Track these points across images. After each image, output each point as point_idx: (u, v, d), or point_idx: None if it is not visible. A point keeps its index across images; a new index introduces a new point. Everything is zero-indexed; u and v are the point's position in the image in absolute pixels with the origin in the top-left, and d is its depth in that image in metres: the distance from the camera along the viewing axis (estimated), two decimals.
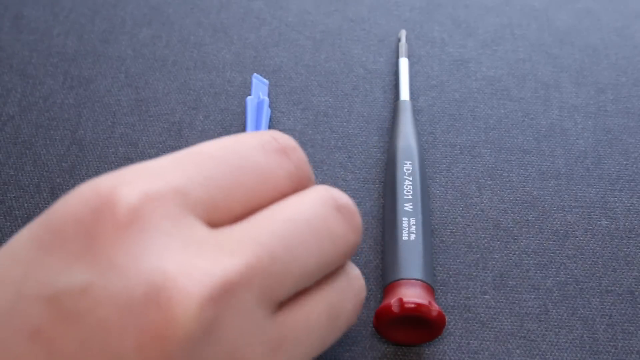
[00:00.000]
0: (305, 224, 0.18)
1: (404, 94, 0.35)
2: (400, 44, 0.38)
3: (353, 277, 0.21)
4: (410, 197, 0.30)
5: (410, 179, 0.31)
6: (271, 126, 0.36)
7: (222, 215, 0.18)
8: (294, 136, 0.35)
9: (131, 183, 0.17)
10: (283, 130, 0.36)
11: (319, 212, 0.19)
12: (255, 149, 0.19)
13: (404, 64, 0.37)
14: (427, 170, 0.34)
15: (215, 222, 0.18)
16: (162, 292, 0.15)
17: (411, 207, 0.30)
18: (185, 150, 0.19)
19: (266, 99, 0.35)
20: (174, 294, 0.15)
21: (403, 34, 0.39)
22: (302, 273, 0.18)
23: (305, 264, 0.18)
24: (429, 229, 0.30)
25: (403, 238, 0.29)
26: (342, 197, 0.20)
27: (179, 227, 0.17)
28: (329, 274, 0.20)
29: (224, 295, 0.16)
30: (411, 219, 0.29)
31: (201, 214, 0.18)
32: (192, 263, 0.16)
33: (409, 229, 0.29)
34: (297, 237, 0.18)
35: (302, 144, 0.35)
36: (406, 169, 0.31)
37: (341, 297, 0.20)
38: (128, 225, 0.16)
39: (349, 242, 0.19)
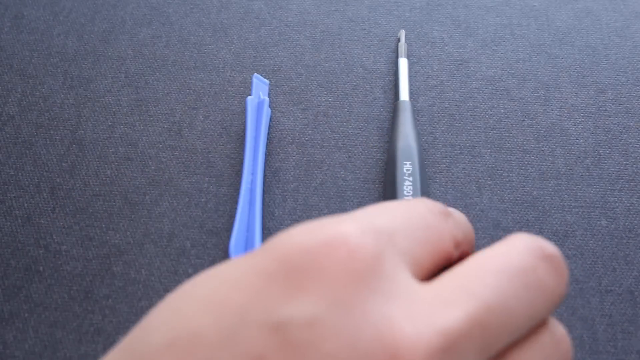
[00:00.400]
0: (516, 274, 0.18)
1: (404, 94, 0.35)
2: (399, 44, 0.38)
3: (559, 337, 0.19)
4: (410, 197, 0.30)
5: (411, 179, 0.31)
6: (271, 126, 0.36)
7: (418, 269, 0.18)
8: (294, 136, 0.35)
9: (353, 222, 0.17)
10: (283, 130, 0.36)
11: (528, 262, 0.18)
12: (425, 210, 0.19)
13: (403, 64, 0.37)
14: (427, 170, 0.34)
15: (416, 276, 0.18)
16: (389, 340, 0.15)
17: None
18: (367, 208, 0.19)
19: (266, 99, 0.35)
20: (401, 343, 0.15)
21: (402, 34, 0.39)
22: (515, 326, 0.17)
23: (518, 317, 0.17)
24: None
25: None
26: (550, 246, 0.19)
27: (399, 274, 0.17)
28: (531, 331, 0.19)
29: (449, 348, 0.16)
30: None
31: (407, 265, 0.18)
32: (417, 313, 0.16)
33: None
34: (510, 288, 0.17)
35: (302, 144, 0.35)
36: (406, 169, 0.31)
37: (548, 357, 0.19)
38: (359, 264, 0.16)
39: (557, 293, 0.19)
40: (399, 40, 0.39)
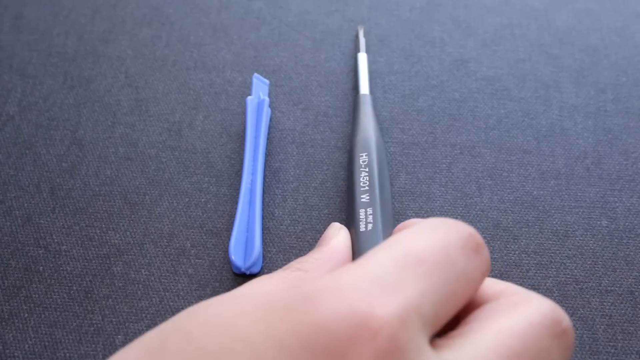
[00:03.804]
0: (528, 355, 0.18)
1: (364, 87, 0.35)
2: (358, 39, 0.38)
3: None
4: (367, 188, 0.30)
5: (367, 170, 0.31)
6: (271, 126, 0.36)
7: (437, 327, 0.18)
8: (294, 136, 0.35)
9: (383, 303, 0.17)
10: (283, 130, 0.36)
11: (545, 344, 0.18)
12: (458, 249, 0.19)
13: (362, 58, 0.37)
14: (427, 170, 0.34)
15: (431, 334, 0.18)
16: None
17: (368, 198, 0.30)
18: (399, 251, 0.18)
19: (266, 99, 0.35)
20: None
21: (360, 29, 0.39)
22: None
23: None
24: (389, 219, 0.30)
25: (361, 229, 0.29)
26: (565, 321, 0.19)
27: (421, 353, 0.17)
28: None
29: None
30: (368, 210, 0.29)
31: (428, 333, 0.18)
32: None
33: (367, 220, 0.29)
34: None
35: (302, 144, 0.35)
36: (362, 161, 0.31)
37: None
38: (385, 354, 0.16)
39: None
40: (356, 36, 0.39)
